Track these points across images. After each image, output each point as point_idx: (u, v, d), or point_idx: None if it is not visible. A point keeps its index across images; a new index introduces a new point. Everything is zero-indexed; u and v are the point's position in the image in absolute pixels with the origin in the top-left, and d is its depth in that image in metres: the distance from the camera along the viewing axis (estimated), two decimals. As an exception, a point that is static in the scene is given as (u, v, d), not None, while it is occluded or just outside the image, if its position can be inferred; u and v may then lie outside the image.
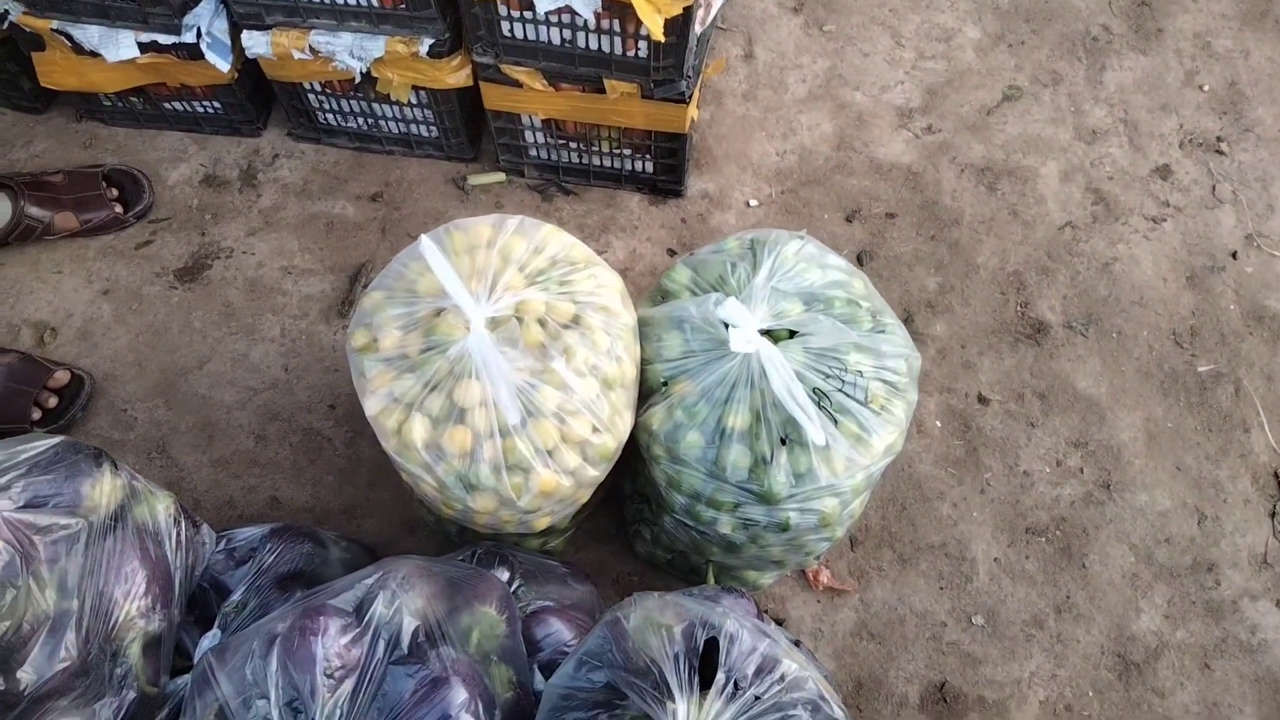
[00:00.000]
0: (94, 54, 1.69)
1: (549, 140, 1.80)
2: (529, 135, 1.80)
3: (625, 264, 1.83)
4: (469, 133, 1.86)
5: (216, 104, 1.87)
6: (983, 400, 1.73)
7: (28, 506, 1.03)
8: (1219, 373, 1.77)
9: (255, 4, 1.61)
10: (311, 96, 1.82)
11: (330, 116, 1.87)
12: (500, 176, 1.90)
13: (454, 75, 1.67)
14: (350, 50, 1.63)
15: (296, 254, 1.83)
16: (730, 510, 1.20)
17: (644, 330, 1.23)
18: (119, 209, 1.81)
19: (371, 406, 1.12)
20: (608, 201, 1.88)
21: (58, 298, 1.78)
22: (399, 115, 1.83)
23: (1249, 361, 1.78)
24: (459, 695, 0.96)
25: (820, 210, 1.90)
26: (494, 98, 1.70)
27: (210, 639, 1.16)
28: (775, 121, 1.98)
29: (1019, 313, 1.81)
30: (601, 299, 1.16)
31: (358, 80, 1.69)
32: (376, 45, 1.62)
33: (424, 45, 1.61)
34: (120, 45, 1.66)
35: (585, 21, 1.47)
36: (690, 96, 1.62)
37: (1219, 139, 1.99)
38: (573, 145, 1.81)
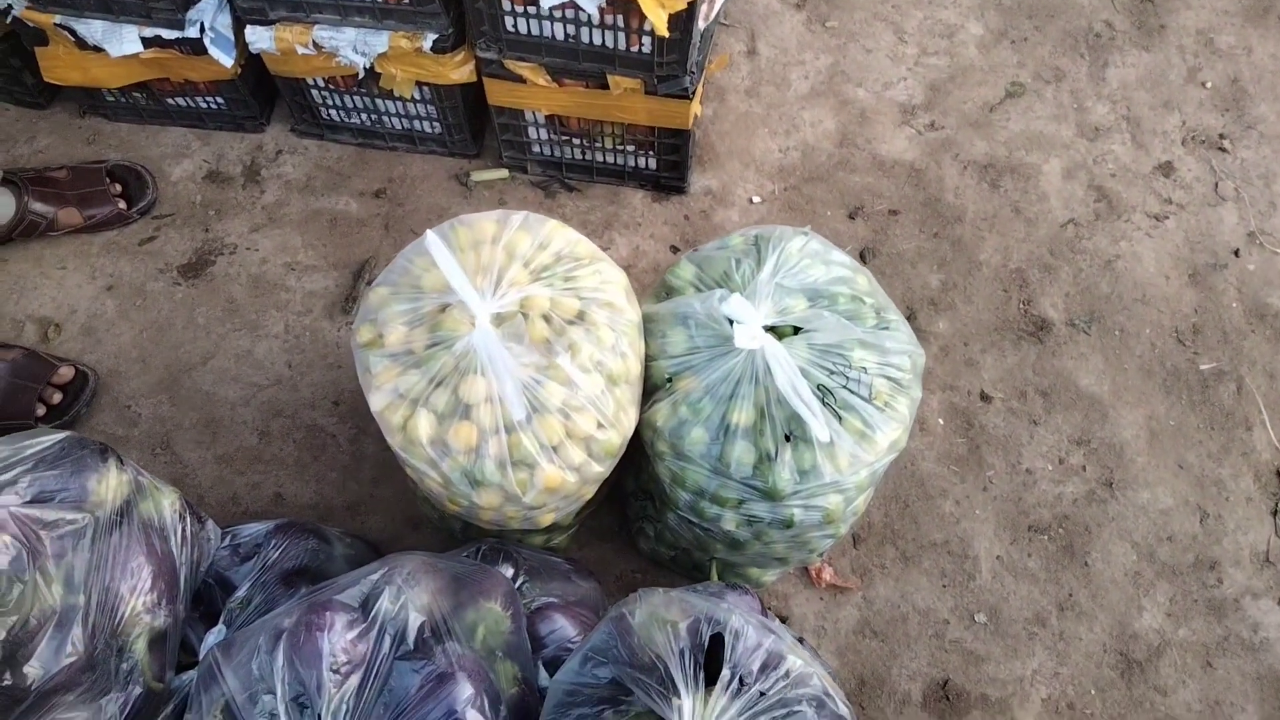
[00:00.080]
0: (97, 49, 1.69)
1: (552, 136, 1.80)
2: (532, 131, 1.80)
3: (628, 261, 1.83)
4: (472, 129, 1.86)
5: (220, 100, 1.87)
6: (985, 398, 1.73)
7: (34, 502, 1.03)
8: (1221, 370, 1.77)
9: (259, -1, 1.61)
10: (315, 92, 1.82)
11: (333, 112, 1.87)
12: (503, 173, 1.90)
13: (457, 71, 1.67)
14: (354, 45, 1.63)
15: (300, 250, 1.83)
16: (734, 507, 1.20)
17: (648, 326, 1.23)
18: (123, 205, 1.81)
19: (377, 402, 1.12)
20: (611, 198, 1.88)
21: (62, 294, 1.78)
22: (402, 111, 1.83)
23: (1251, 359, 1.78)
24: (465, 691, 0.96)
25: (823, 207, 1.90)
26: (497, 93, 1.70)
27: (215, 635, 1.16)
28: (778, 118, 1.98)
29: (1021, 310, 1.81)
30: (606, 295, 1.16)
31: (361, 76, 1.69)
32: (380, 40, 1.62)
33: (427, 40, 1.61)
34: (124, 40, 1.66)
35: (589, 17, 1.47)
36: (694, 92, 1.62)
37: (1221, 136, 1.99)
38: (576, 141, 1.81)
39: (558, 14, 1.49)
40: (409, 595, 1.02)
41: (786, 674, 0.93)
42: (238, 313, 1.77)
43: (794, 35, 2.08)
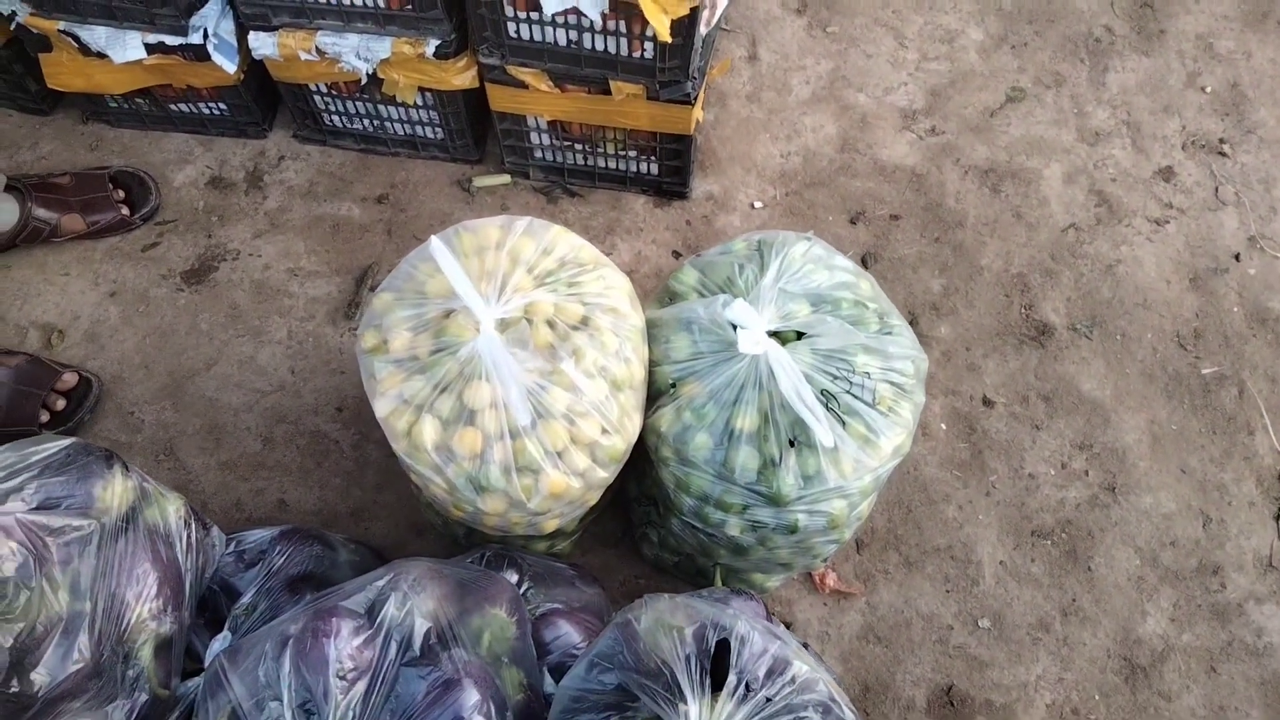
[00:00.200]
0: (101, 55, 1.69)
1: (554, 142, 1.81)
2: (534, 137, 1.81)
3: (630, 266, 1.83)
4: (474, 134, 1.87)
5: (222, 105, 1.87)
6: (987, 403, 1.73)
7: (40, 508, 1.03)
8: (1223, 375, 1.77)
9: (262, 5, 1.61)
10: (317, 98, 1.82)
11: (336, 118, 1.87)
12: (505, 178, 1.90)
13: (460, 76, 1.67)
14: (356, 51, 1.63)
15: (303, 256, 1.83)
16: (738, 512, 1.20)
17: (652, 332, 1.24)
18: (125, 211, 1.82)
19: (381, 408, 1.12)
20: (613, 203, 1.89)
21: (65, 300, 1.78)
22: (404, 117, 1.83)
23: (1252, 364, 1.78)
24: (471, 697, 0.96)
25: (824, 212, 1.90)
26: (500, 99, 1.70)
27: (221, 641, 1.16)
28: (779, 123, 1.99)
29: (1023, 315, 1.81)
30: (610, 300, 1.16)
31: (364, 82, 1.69)
32: (383, 46, 1.62)
33: (430, 46, 1.61)
34: (127, 46, 1.67)
35: (592, 23, 1.48)
36: (695, 98, 1.62)
37: (1221, 140, 2.00)
38: (578, 147, 1.81)
39: (560, 20, 1.49)
40: (415, 601, 1.02)
41: (792, 680, 0.93)
42: (241, 319, 1.77)
43: (795, 41, 2.08)
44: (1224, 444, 1.71)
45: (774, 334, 1.15)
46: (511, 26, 1.54)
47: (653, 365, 1.22)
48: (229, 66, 1.70)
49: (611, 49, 1.54)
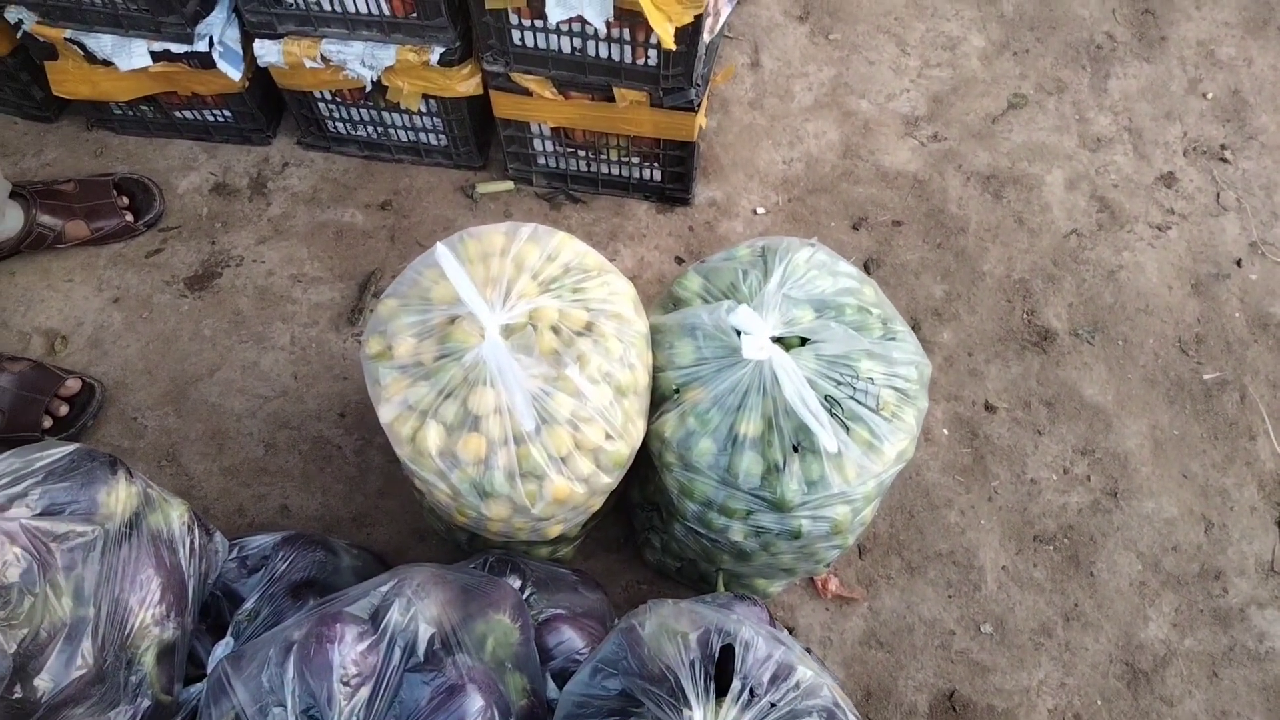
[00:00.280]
0: (106, 63, 1.70)
1: (557, 148, 1.81)
2: (537, 143, 1.81)
3: (633, 272, 1.83)
4: (478, 141, 1.87)
5: (227, 112, 1.88)
6: (990, 408, 1.73)
7: (44, 514, 1.03)
8: (1224, 380, 1.77)
9: (267, 13, 1.62)
10: (321, 105, 1.83)
11: (340, 125, 1.88)
12: (509, 185, 1.91)
13: (464, 84, 1.68)
14: (361, 59, 1.64)
15: (306, 262, 1.84)
16: (742, 518, 1.20)
17: (656, 337, 1.24)
18: (130, 217, 1.82)
19: (386, 414, 1.13)
20: (615, 209, 1.89)
21: (69, 306, 1.79)
22: (408, 124, 1.84)
23: (1254, 369, 1.78)
24: (475, 703, 0.96)
25: (827, 218, 1.90)
26: (504, 106, 1.71)
27: (223, 647, 1.16)
28: (782, 129, 1.99)
29: (1025, 320, 1.82)
30: (614, 306, 1.17)
31: (368, 89, 1.70)
32: (387, 54, 1.63)
33: (435, 54, 1.62)
34: (133, 54, 1.67)
35: (596, 30, 1.48)
36: (699, 105, 1.63)
37: (1223, 147, 2.00)
38: (581, 153, 1.82)
39: (564, 27, 1.50)
40: (419, 607, 1.02)
41: (797, 685, 0.93)
42: (244, 325, 1.78)
43: (797, 47, 2.09)
44: (1226, 449, 1.71)
45: (778, 340, 1.16)
46: (516, 34, 1.54)
47: (657, 371, 1.23)
48: (234, 74, 1.71)
49: (615, 56, 1.54)
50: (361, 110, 1.82)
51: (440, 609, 1.05)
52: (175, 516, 1.19)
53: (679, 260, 1.85)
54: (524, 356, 1.09)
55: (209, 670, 1.12)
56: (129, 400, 1.71)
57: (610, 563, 1.60)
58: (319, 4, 1.59)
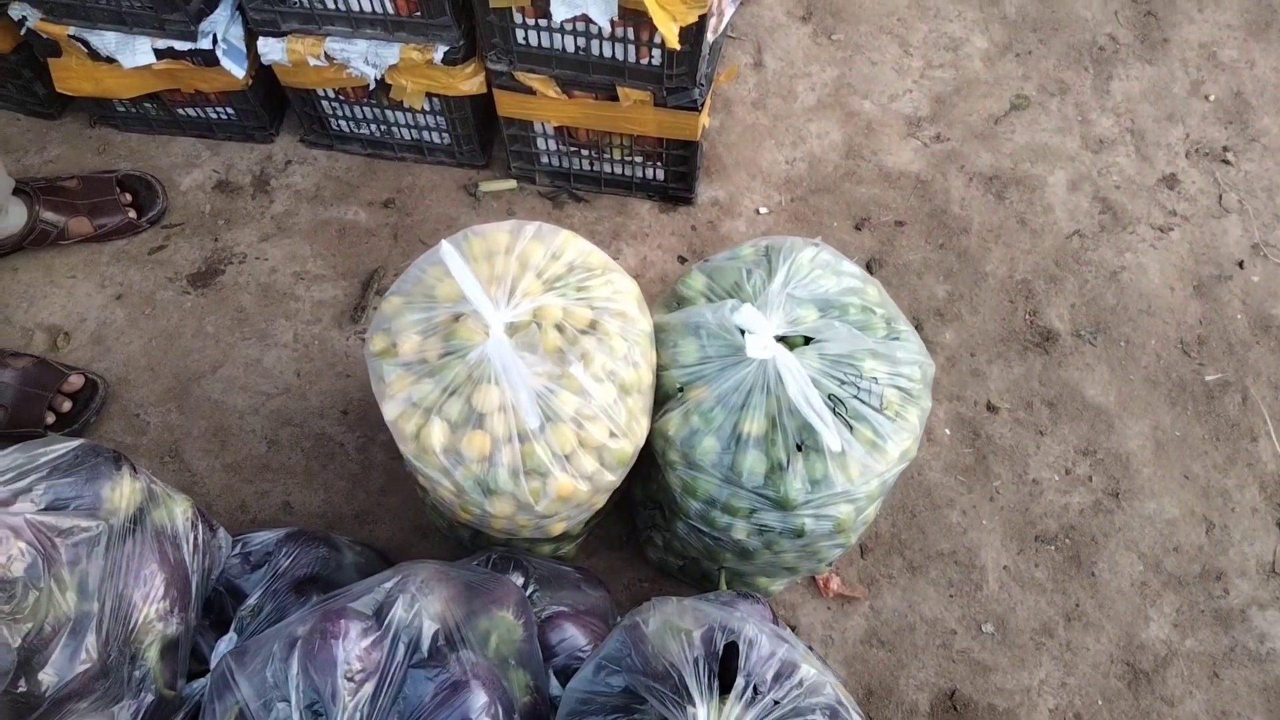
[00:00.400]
0: (110, 60, 1.70)
1: (560, 147, 1.81)
2: (541, 142, 1.81)
3: (636, 271, 1.83)
4: (481, 140, 1.87)
5: (230, 110, 1.88)
6: (992, 408, 1.74)
7: (49, 509, 1.03)
8: (1226, 381, 1.77)
9: (271, 11, 1.62)
10: (325, 103, 1.83)
11: (343, 123, 1.88)
12: (512, 183, 1.91)
13: (468, 82, 1.68)
14: (365, 57, 1.64)
15: (309, 260, 1.84)
16: (745, 516, 1.20)
17: (660, 336, 1.24)
18: (133, 214, 1.82)
19: (390, 411, 1.13)
20: (618, 208, 1.89)
21: (71, 302, 1.79)
22: (411, 122, 1.84)
23: (1256, 370, 1.79)
24: (479, 699, 0.97)
25: (830, 218, 1.91)
26: (507, 105, 1.71)
27: (226, 643, 1.16)
28: (784, 129, 2.00)
29: (1027, 321, 1.82)
30: (618, 305, 1.17)
31: (371, 87, 1.70)
32: (391, 52, 1.63)
33: (438, 52, 1.62)
34: (137, 52, 1.67)
35: (600, 29, 1.48)
36: (702, 104, 1.63)
37: (1225, 149, 2.01)
38: (584, 152, 1.82)
39: (569, 26, 1.50)
40: (423, 603, 1.02)
41: (800, 683, 0.93)
42: (247, 322, 1.78)
43: (800, 48, 2.09)
44: (1227, 450, 1.71)
45: (782, 339, 1.16)
46: (520, 33, 1.55)
47: (660, 370, 1.23)
48: (238, 72, 1.71)
49: (619, 55, 1.55)
50: (365, 108, 1.82)
51: (444, 605, 1.05)
52: (179, 512, 1.19)
53: (682, 259, 1.85)
54: (528, 354, 1.09)
55: (212, 665, 1.12)
56: (131, 397, 1.71)
57: (612, 560, 1.60)
58: (323, 2, 1.59)
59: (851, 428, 1.15)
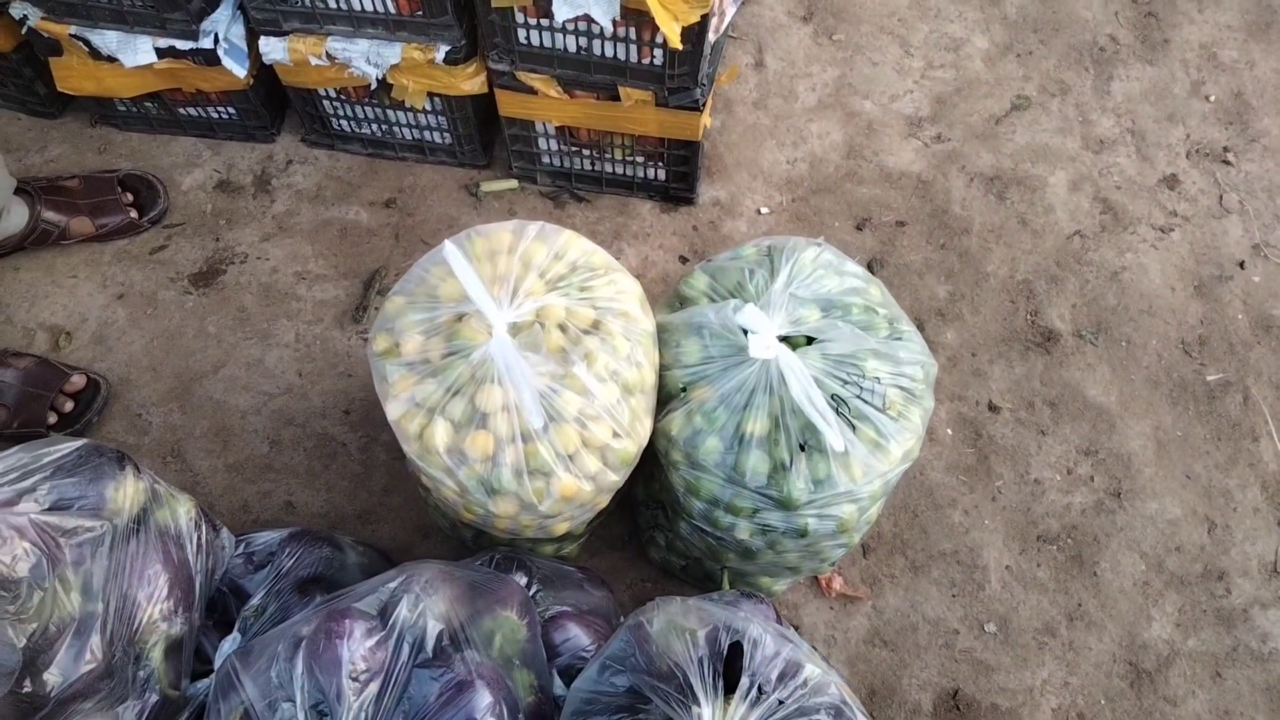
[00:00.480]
0: (111, 59, 1.70)
1: (562, 147, 1.81)
2: (542, 142, 1.81)
3: (637, 271, 1.83)
4: (482, 140, 1.87)
5: (231, 110, 1.88)
6: (993, 408, 1.74)
7: (53, 509, 1.03)
8: (1227, 381, 1.78)
9: (272, 10, 1.62)
10: (326, 103, 1.83)
11: (344, 123, 1.88)
12: (513, 183, 1.91)
13: (469, 82, 1.68)
14: (366, 57, 1.64)
15: (310, 259, 1.84)
16: (748, 516, 1.20)
17: (663, 336, 1.24)
18: (134, 214, 1.82)
19: (393, 411, 1.13)
20: (620, 208, 1.90)
21: (73, 302, 1.79)
22: (413, 122, 1.84)
23: (1257, 370, 1.79)
24: (484, 699, 0.97)
25: (831, 218, 1.91)
26: (509, 104, 1.71)
27: (230, 643, 1.16)
28: (785, 129, 2.00)
29: (1029, 321, 1.82)
30: (621, 305, 1.17)
31: (373, 86, 1.70)
32: (393, 52, 1.63)
33: (440, 52, 1.62)
34: (138, 51, 1.67)
35: (602, 29, 1.48)
36: (703, 104, 1.63)
37: (1226, 149, 2.01)
38: (585, 152, 1.82)
39: (570, 26, 1.50)
40: (427, 603, 1.02)
41: (805, 682, 0.93)
42: (248, 321, 1.78)
43: (801, 48, 2.09)
44: (1229, 450, 1.72)
45: (784, 339, 1.16)
46: (521, 33, 1.55)
47: (663, 369, 1.23)
48: (239, 71, 1.71)
49: (621, 55, 1.55)
50: (366, 108, 1.82)
51: (448, 605, 1.05)
52: (182, 512, 1.19)
53: (683, 259, 1.85)
54: (531, 354, 1.09)
55: (216, 665, 1.12)
56: (133, 397, 1.71)
57: (615, 560, 1.60)
58: (324, 2, 1.59)
59: (854, 428, 1.15)
